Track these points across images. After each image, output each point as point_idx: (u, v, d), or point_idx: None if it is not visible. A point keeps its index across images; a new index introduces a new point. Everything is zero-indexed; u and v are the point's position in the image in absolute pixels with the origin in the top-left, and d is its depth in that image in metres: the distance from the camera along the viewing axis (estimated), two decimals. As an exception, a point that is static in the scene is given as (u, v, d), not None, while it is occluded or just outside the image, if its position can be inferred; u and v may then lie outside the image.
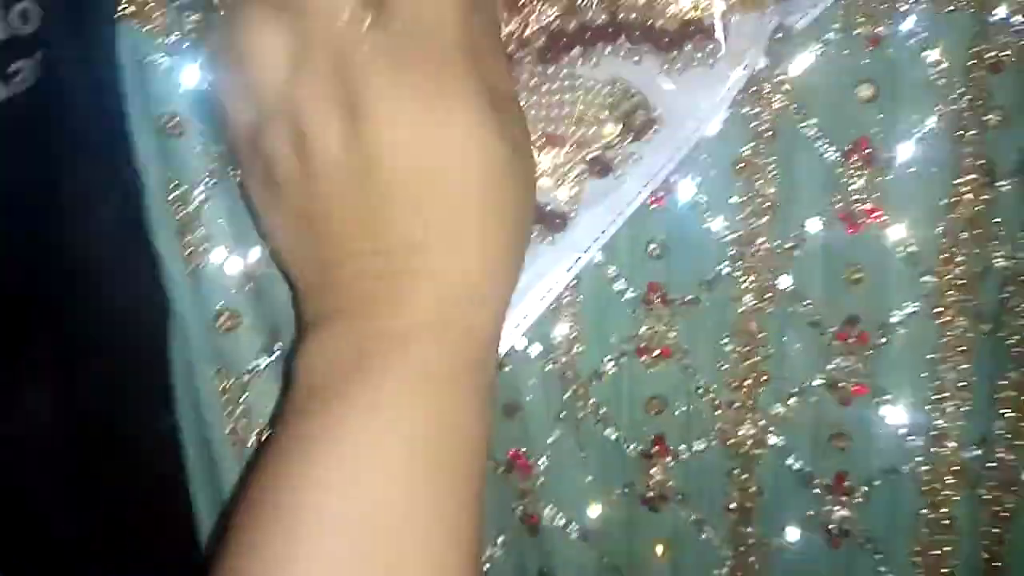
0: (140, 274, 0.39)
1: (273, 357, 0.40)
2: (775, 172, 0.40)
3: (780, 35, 0.37)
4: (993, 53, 0.39)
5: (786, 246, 0.41)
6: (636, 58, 0.37)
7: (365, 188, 0.28)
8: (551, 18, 0.35)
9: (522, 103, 0.35)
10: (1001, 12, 0.39)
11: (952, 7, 0.38)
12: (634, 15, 0.36)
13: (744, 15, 0.36)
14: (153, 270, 0.38)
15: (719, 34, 0.36)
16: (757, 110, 0.39)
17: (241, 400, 0.40)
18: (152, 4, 0.35)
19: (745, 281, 0.41)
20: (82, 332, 0.40)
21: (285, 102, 0.29)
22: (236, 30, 0.30)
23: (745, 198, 0.40)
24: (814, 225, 0.41)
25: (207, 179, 0.37)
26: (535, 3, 0.34)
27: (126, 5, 0.35)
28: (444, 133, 0.28)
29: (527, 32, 0.35)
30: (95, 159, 0.37)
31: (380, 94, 0.28)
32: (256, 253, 0.39)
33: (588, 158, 0.38)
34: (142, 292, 0.39)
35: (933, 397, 0.41)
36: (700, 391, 0.43)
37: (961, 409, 0.41)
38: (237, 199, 0.38)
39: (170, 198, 0.37)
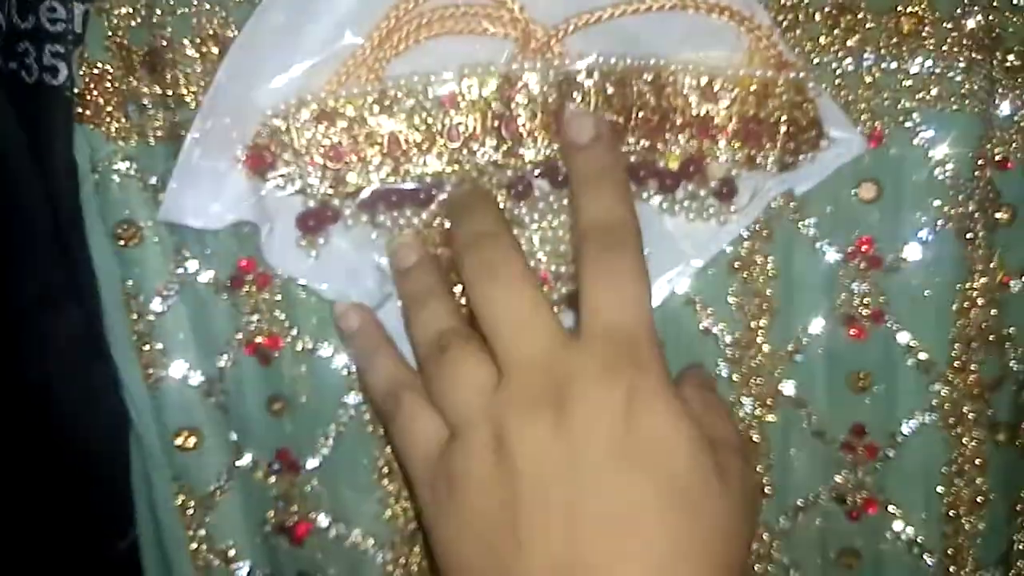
0: (97, 385, 0.36)
1: (237, 473, 0.37)
2: (773, 272, 0.38)
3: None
4: (1000, 150, 0.37)
5: (787, 348, 0.38)
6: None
7: (565, 483, 0.29)
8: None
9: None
10: (1005, 109, 0.37)
11: (956, 106, 0.36)
12: (633, 159, 0.35)
13: (749, 172, 0.35)
14: (112, 381, 0.36)
15: (719, 183, 0.35)
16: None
17: (205, 520, 0.37)
18: (110, 107, 0.34)
19: (744, 385, 0.39)
20: (35, 444, 0.37)
21: (489, 415, 0.30)
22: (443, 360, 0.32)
23: (742, 298, 0.38)
24: (816, 327, 0.38)
25: (167, 289, 0.35)
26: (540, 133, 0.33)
27: (81, 109, 0.33)
28: (646, 421, 0.30)
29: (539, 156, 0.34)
30: (47, 268, 0.35)
31: (586, 385, 0.30)
32: (221, 363, 0.37)
33: (565, 292, 0.37)
34: (99, 404, 0.37)
35: (947, 513, 0.39)
36: (698, 503, 0.40)
37: (978, 526, 0.38)
38: (199, 308, 0.35)
39: (128, 307, 0.35)
